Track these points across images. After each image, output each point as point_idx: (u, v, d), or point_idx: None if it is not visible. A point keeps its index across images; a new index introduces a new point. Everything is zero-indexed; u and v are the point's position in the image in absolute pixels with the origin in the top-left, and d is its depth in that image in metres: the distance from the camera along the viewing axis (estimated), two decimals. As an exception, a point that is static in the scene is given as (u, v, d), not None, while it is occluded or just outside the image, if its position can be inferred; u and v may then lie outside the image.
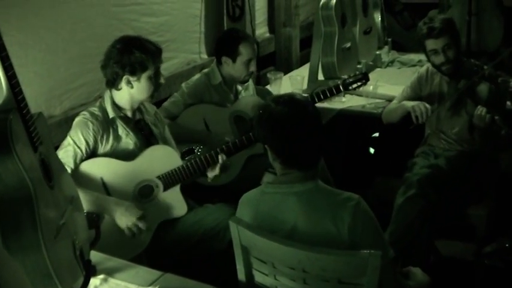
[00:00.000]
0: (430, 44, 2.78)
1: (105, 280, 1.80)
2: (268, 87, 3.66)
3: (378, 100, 3.36)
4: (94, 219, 2.17)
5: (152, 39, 2.46)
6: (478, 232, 2.75)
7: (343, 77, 2.95)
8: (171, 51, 3.54)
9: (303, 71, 3.96)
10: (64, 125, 2.71)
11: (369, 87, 3.30)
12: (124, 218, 2.26)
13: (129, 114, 2.45)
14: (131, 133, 2.43)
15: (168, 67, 3.45)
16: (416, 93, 2.99)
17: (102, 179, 2.34)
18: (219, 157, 2.51)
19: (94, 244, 2.00)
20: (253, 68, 3.01)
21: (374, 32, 4.24)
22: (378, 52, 4.21)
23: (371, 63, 4.09)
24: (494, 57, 3.90)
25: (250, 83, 3.23)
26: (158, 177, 2.42)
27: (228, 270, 1.90)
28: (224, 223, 2.26)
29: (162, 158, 2.44)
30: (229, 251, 1.87)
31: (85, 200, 2.18)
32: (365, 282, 1.60)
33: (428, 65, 2.97)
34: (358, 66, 3.89)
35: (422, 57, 3.91)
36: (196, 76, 3.08)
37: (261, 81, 4.27)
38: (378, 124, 3.25)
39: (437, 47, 2.76)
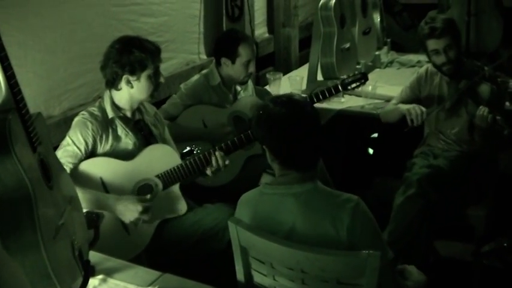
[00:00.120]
0: (432, 44, 2.76)
1: (104, 280, 1.80)
2: (267, 87, 3.66)
3: (376, 100, 3.36)
4: (93, 219, 2.17)
5: (151, 40, 2.46)
6: (477, 233, 2.75)
7: (342, 77, 2.95)
8: (170, 52, 3.54)
9: (302, 72, 3.96)
10: (63, 125, 2.70)
11: (368, 87, 3.31)
12: (127, 212, 2.27)
13: (128, 114, 2.45)
14: (130, 133, 2.42)
15: (167, 67, 3.45)
16: (415, 93, 2.98)
17: (101, 178, 2.34)
18: (217, 154, 2.48)
19: (93, 244, 2.00)
20: (252, 69, 3.01)
21: (373, 32, 4.24)
22: (377, 53, 4.22)
23: (370, 63, 4.09)
24: (494, 58, 3.91)
25: (250, 83, 3.23)
26: (157, 176, 2.41)
27: (227, 271, 1.90)
28: (223, 223, 2.26)
29: (161, 157, 2.44)
30: (228, 251, 1.87)
31: (85, 199, 2.19)
32: (364, 283, 1.60)
33: (428, 65, 2.96)
34: (357, 66, 3.89)
35: (422, 57, 3.93)
36: (195, 77, 3.08)
37: (260, 82, 4.27)
38: (377, 124, 3.25)
39: (439, 47, 2.74)
